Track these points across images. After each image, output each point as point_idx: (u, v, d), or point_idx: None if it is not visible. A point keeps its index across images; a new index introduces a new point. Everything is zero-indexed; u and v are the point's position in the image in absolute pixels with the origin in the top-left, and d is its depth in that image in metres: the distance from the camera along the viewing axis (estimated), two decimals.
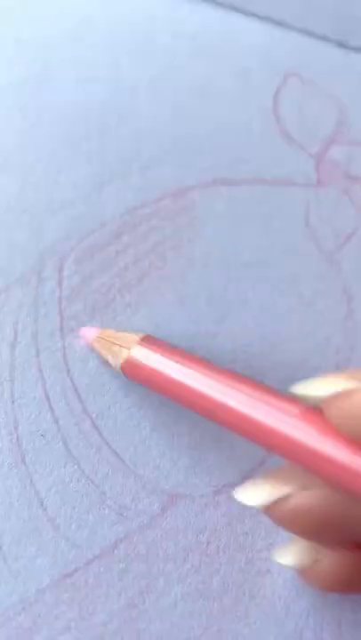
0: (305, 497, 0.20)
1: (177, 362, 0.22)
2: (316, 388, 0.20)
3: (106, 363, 0.24)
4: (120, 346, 0.23)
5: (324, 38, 0.31)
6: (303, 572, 0.22)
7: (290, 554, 0.22)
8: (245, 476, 0.24)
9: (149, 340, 0.23)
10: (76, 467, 0.24)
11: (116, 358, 0.23)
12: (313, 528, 0.20)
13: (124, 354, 0.23)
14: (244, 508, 0.23)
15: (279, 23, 0.31)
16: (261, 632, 0.23)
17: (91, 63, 0.28)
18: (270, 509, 0.20)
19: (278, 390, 0.21)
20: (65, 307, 0.25)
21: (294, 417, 0.20)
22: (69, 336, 0.25)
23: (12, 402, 0.24)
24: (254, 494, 0.20)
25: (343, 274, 0.27)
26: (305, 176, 0.28)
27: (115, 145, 0.27)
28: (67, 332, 0.25)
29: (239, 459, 0.24)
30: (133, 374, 0.23)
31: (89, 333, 0.24)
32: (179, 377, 0.22)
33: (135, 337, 0.23)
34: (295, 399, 0.20)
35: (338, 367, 0.26)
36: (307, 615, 0.23)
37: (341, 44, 0.31)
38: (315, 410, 0.20)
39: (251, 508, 0.21)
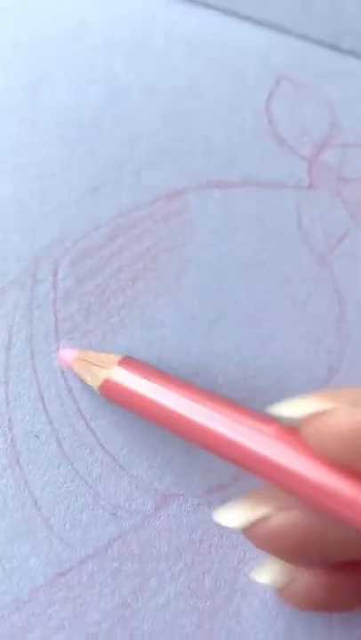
0: (282, 518, 0.20)
1: (154, 384, 0.22)
2: (292, 408, 0.20)
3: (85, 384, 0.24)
4: (99, 366, 0.23)
5: (317, 41, 0.31)
6: (279, 591, 0.22)
7: (267, 573, 0.22)
8: (236, 478, 0.24)
9: (129, 362, 0.23)
10: (70, 467, 0.24)
11: (95, 380, 0.23)
12: (290, 549, 0.20)
13: (103, 375, 0.23)
14: None
15: (273, 26, 0.31)
16: (253, 630, 0.23)
17: (85, 66, 0.28)
18: (249, 531, 0.20)
19: (257, 410, 0.21)
20: (59, 308, 0.25)
21: (269, 437, 0.20)
22: (64, 339, 0.25)
23: (7, 403, 0.24)
24: (233, 516, 0.21)
25: (335, 276, 0.27)
26: (297, 179, 0.28)
27: (109, 147, 0.27)
28: (61, 334, 0.25)
29: None
30: (111, 395, 0.23)
31: (68, 354, 0.24)
32: (156, 399, 0.22)
33: (114, 358, 0.23)
34: (272, 419, 0.20)
35: (330, 368, 0.26)
36: (298, 613, 0.23)
37: (335, 47, 0.31)
38: (292, 430, 0.20)
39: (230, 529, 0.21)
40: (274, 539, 0.20)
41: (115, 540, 0.23)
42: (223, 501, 0.23)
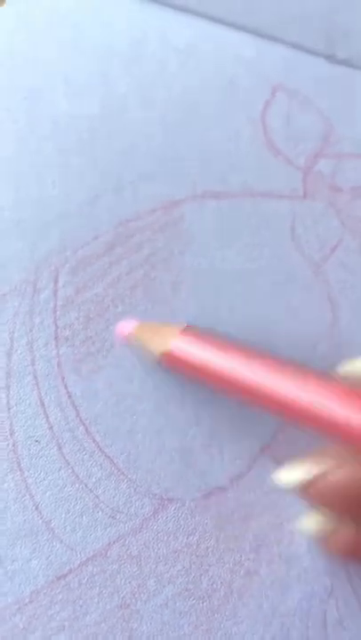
0: (340, 474, 0.21)
1: (218, 351, 0.23)
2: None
3: (144, 354, 0.24)
4: (162, 336, 0.24)
5: (312, 51, 0.32)
6: (324, 540, 0.23)
7: (313, 522, 0.23)
8: (233, 480, 0.24)
9: (190, 331, 0.24)
10: (70, 471, 0.24)
11: (158, 348, 0.24)
12: (346, 502, 0.21)
13: (166, 344, 0.23)
14: (232, 511, 0.24)
15: (268, 36, 0.31)
16: (249, 631, 0.23)
17: (83, 77, 0.29)
18: (307, 487, 0.22)
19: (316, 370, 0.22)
20: (60, 316, 0.26)
21: (332, 395, 0.21)
22: (64, 345, 0.25)
23: (8, 409, 0.25)
24: (293, 474, 0.22)
25: (329, 283, 0.27)
26: (291, 188, 0.28)
27: (107, 158, 0.28)
28: (61, 341, 0.25)
29: (228, 463, 0.25)
30: (174, 364, 0.24)
31: (127, 326, 0.25)
32: (221, 366, 0.22)
33: (176, 328, 0.24)
34: (333, 379, 0.22)
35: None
36: (293, 615, 0.24)
37: (329, 57, 0.32)
38: (352, 389, 0.21)
39: (283, 490, 0.23)
40: (331, 494, 0.21)
41: (114, 543, 0.24)
42: (220, 505, 0.24)
